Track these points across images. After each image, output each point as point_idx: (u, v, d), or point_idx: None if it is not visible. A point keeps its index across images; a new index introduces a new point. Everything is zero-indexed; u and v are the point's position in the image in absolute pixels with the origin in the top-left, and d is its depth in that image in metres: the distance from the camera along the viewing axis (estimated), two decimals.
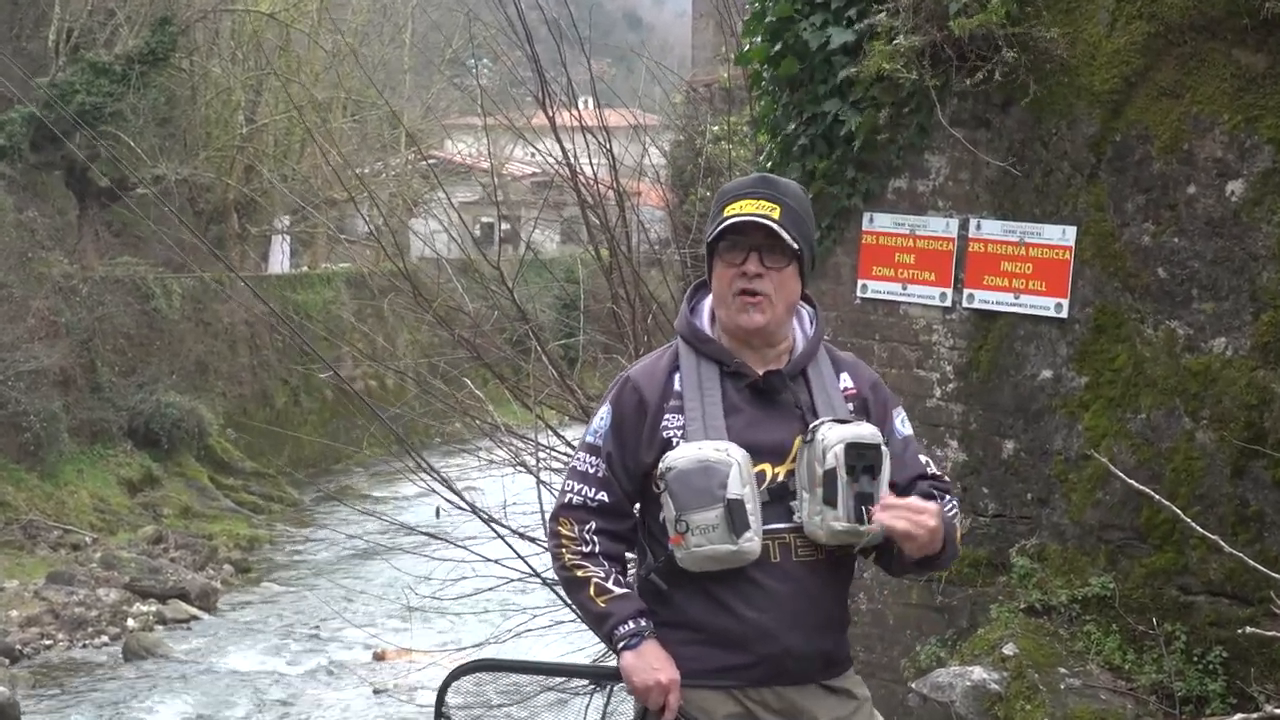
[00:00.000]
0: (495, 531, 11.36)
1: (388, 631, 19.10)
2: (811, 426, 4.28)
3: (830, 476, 4.21)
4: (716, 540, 4.20)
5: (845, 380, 4.47)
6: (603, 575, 4.37)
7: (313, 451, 33.95)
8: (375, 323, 30.51)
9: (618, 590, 4.36)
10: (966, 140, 8.08)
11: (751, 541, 4.21)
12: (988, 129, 8.10)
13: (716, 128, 16.47)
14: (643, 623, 4.33)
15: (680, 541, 4.23)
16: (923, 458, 4.51)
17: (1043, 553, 7.91)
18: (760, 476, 4.28)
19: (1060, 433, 7.91)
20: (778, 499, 4.29)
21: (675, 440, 4.30)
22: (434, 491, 11.71)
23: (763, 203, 4.33)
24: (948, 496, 4.44)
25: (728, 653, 4.29)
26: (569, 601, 4.52)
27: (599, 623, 4.37)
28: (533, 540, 11.67)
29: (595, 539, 4.41)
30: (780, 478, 4.31)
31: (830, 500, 4.22)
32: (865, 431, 4.26)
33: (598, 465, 4.43)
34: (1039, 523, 7.98)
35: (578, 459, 4.51)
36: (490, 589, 12.10)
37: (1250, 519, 7.31)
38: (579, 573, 4.39)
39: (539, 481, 11.68)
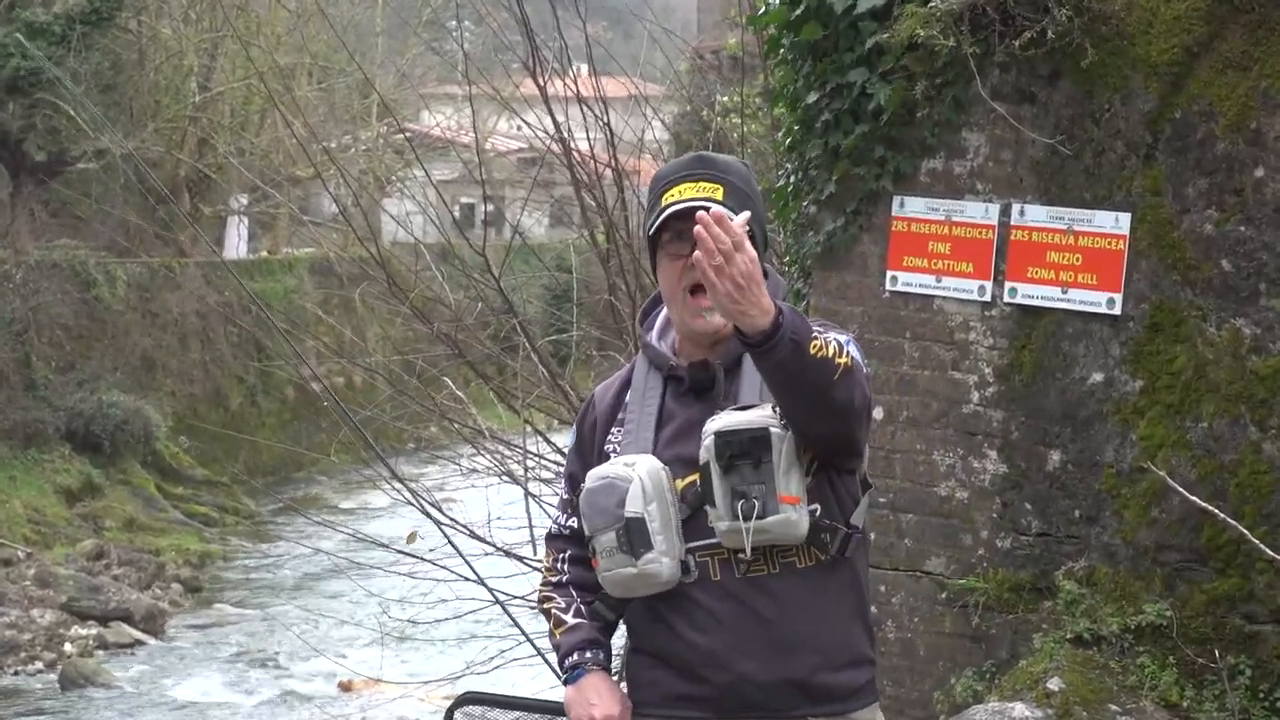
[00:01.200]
0: (459, 552, 11.36)
1: (355, 659, 19.07)
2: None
3: (705, 472, 4.21)
4: (619, 563, 4.28)
5: None
6: (563, 606, 4.51)
7: (271, 458, 33.90)
8: (342, 314, 30.47)
9: (572, 621, 4.48)
10: (1009, 116, 8.07)
11: (656, 563, 4.25)
12: (1033, 104, 8.09)
13: (725, 98, 16.45)
14: (587, 655, 4.43)
15: (596, 565, 4.35)
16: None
17: (1092, 576, 7.91)
18: (690, 489, 4.31)
19: (1112, 443, 7.91)
20: (699, 509, 4.30)
21: (612, 458, 4.40)
22: (410, 504, 11.70)
23: (703, 184, 4.32)
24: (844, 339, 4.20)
25: (684, 680, 4.34)
26: (522, 629, 4.68)
27: (556, 655, 4.50)
28: (520, 559, 11.68)
29: (567, 568, 4.57)
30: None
31: (709, 498, 4.22)
32: (747, 417, 4.20)
33: (568, 489, 4.61)
34: (1088, 543, 7.98)
35: (561, 484, 4.74)
36: (471, 612, 12.11)
37: None
38: (546, 604, 4.56)
39: (526, 493, 11.68)
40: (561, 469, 12.14)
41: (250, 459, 33.53)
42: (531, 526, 11.44)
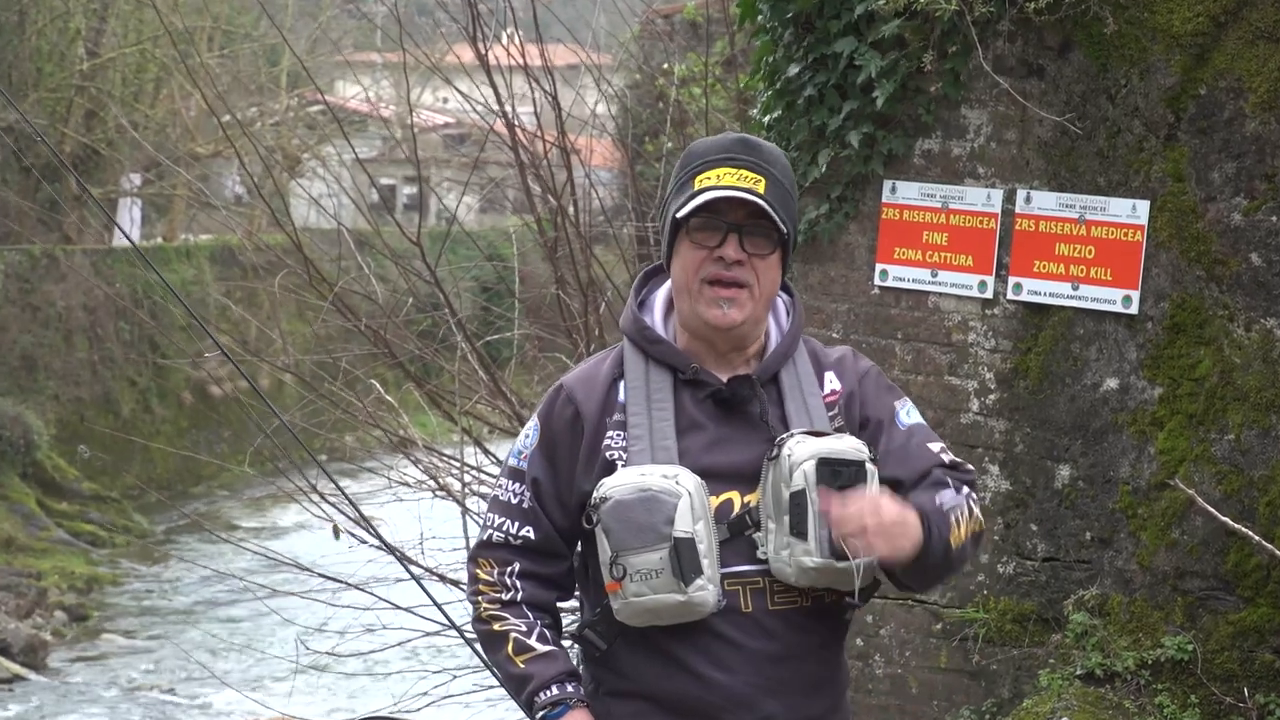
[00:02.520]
0: (411, 574, 11.28)
1: (265, 695, 18.99)
2: (777, 441, 4.30)
3: (798, 501, 4.23)
4: (660, 589, 4.22)
5: (831, 382, 4.50)
6: (523, 630, 4.41)
7: (166, 470, 33.75)
8: (246, 308, 30.40)
9: (541, 648, 4.39)
10: (1014, 91, 8.08)
11: (704, 590, 4.22)
12: (1040, 78, 8.11)
13: (682, 67, 16.43)
14: (569, 688, 4.36)
15: (617, 589, 4.26)
16: (935, 445, 4.52)
17: (1105, 606, 7.93)
18: (726, 508, 4.31)
19: (1128, 457, 7.93)
20: (740, 533, 4.32)
21: (619, 463, 4.33)
22: (337, 524, 11.63)
23: (744, 172, 4.33)
24: (965, 489, 4.46)
25: None
26: (486, 661, 4.52)
27: (517, 687, 4.39)
28: (455, 584, 11.65)
29: (518, 584, 4.45)
30: (747, 507, 4.34)
31: (799, 531, 4.24)
32: (844, 446, 4.29)
33: (522, 494, 4.47)
34: (1100, 569, 8.00)
35: (500, 486, 4.54)
36: (401, 643, 12.06)
37: None
38: (496, 625, 4.43)
39: (464, 510, 11.64)
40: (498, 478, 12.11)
41: (143, 471, 33.34)
42: (469, 547, 11.37)
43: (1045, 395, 8.14)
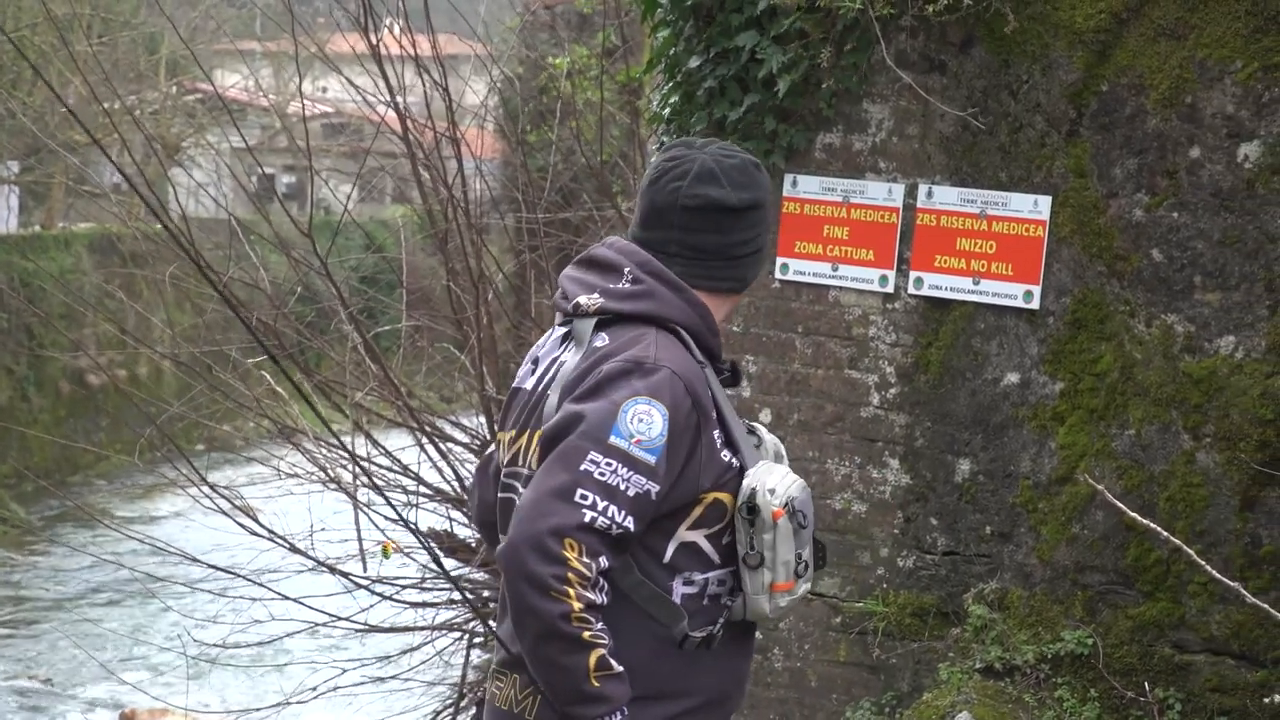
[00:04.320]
0: (337, 570, 11.20)
1: (150, 685, 18.75)
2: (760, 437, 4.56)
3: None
4: (805, 581, 4.41)
5: None
6: (604, 643, 4.09)
7: (44, 459, 33.36)
8: (126, 296, 30.08)
9: (616, 667, 4.11)
10: (917, 86, 8.03)
11: None
12: (943, 74, 8.06)
13: (564, 59, 16.38)
14: (627, 711, 4.13)
15: (791, 586, 4.34)
16: None
17: (1004, 599, 7.92)
18: None
19: (1028, 451, 7.91)
20: None
21: (731, 461, 4.33)
22: (224, 513, 11.50)
23: None
24: None
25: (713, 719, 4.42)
26: (539, 656, 4.11)
27: (581, 701, 4.10)
28: (345, 575, 11.52)
29: (602, 583, 4.11)
30: None
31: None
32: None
33: (636, 482, 4.12)
34: (1000, 563, 7.98)
35: (598, 464, 4.11)
36: (290, 635, 11.94)
37: (1263, 561, 7.38)
38: (586, 633, 4.06)
39: (355, 503, 11.53)
40: (394, 473, 12.07)
41: (21, 460, 32.93)
42: (360, 539, 11.30)
43: (946, 389, 8.10)
